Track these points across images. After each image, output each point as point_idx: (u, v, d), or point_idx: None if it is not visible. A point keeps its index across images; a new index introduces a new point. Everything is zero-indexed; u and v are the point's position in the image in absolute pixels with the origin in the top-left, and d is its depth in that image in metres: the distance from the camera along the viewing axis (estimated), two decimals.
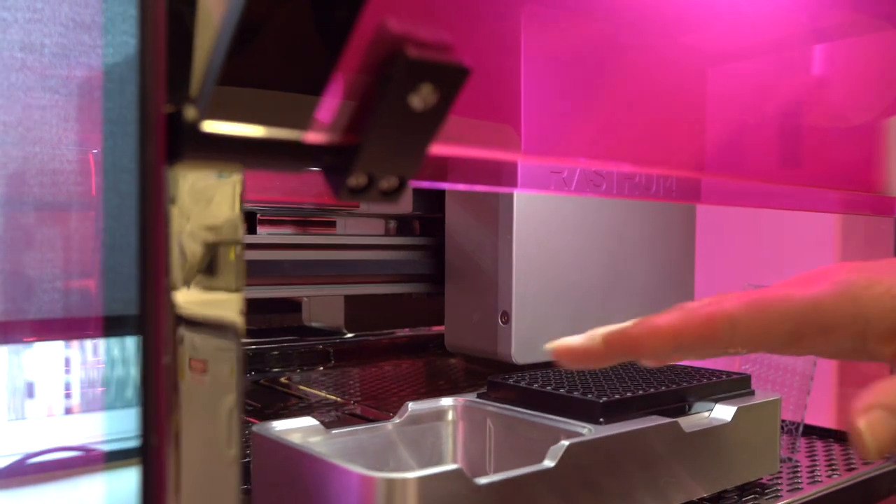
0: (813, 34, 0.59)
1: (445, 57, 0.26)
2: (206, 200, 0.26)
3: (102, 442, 0.66)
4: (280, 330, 0.89)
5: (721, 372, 0.59)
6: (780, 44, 0.58)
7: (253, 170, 0.27)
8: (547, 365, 0.65)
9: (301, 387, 0.85)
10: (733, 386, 0.57)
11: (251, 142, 0.25)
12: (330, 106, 0.26)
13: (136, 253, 0.26)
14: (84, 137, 0.56)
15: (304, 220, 0.79)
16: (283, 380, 0.86)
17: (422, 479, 0.38)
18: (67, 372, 0.68)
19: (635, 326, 0.33)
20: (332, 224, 0.81)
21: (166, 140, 0.24)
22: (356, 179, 0.27)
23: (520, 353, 0.67)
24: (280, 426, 0.48)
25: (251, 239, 0.69)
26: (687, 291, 0.82)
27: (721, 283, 0.98)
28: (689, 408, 0.54)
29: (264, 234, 0.73)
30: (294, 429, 0.48)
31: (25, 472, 0.62)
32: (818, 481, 0.58)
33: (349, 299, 0.87)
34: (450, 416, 0.56)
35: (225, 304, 0.27)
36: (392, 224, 0.84)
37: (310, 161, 0.27)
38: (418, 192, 0.81)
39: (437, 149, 0.29)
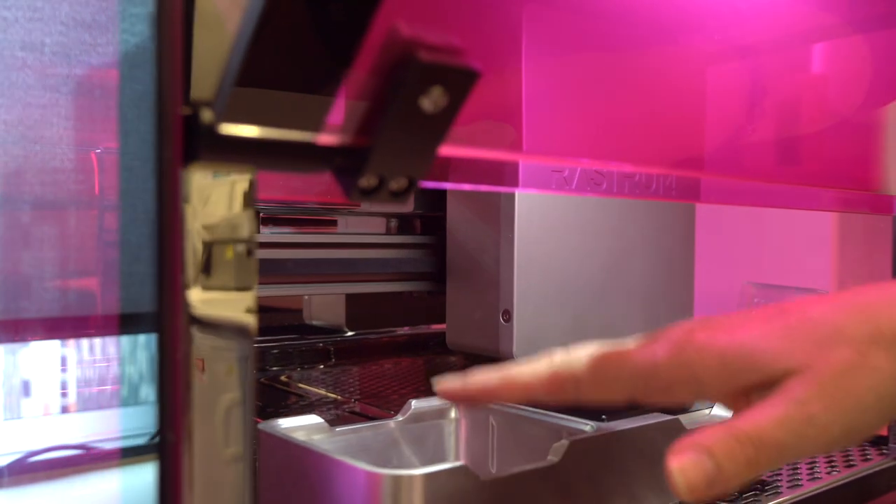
0: (811, 33, 0.60)
1: (455, 60, 0.26)
2: (219, 200, 0.26)
3: (103, 440, 0.66)
4: (281, 328, 0.89)
5: None
6: (778, 43, 0.58)
7: (266, 171, 0.27)
8: None
9: (301, 385, 0.85)
10: None
11: (265, 144, 0.26)
12: (342, 109, 0.27)
13: (153, 252, 0.26)
14: (85, 136, 0.56)
15: (305, 219, 0.79)
16: (283, 378, 0.87)
17: (428, 476, 0.39)
18: (64, 370, 0.68)
19: (497, 379, 0.37)
20: (334, 223, 0.81)
21: (183, 142, 0.25)
22: (367, 180, 0.28)
23: (521, 351, 0.67)
24: (286, 424, 0.48)
25: None
26: (687, 289, 0.83)
27: (720, 281, 0.99)
28: (690, 405, 0.55)
29: (266, 232, 0.74)
30: (299, 426, 0.49)
31: (28, 471, 0.62)
32: (817, 478, 0.58)
33: (350, 298, 0.88)
34: (452, 413, 0.56)
35: (238, 303, 0.27)
36: (393, 222, 0.84)
37: (322, 162, 0.27)
38: (420, 191, 0.82)
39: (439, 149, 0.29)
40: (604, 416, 0.49)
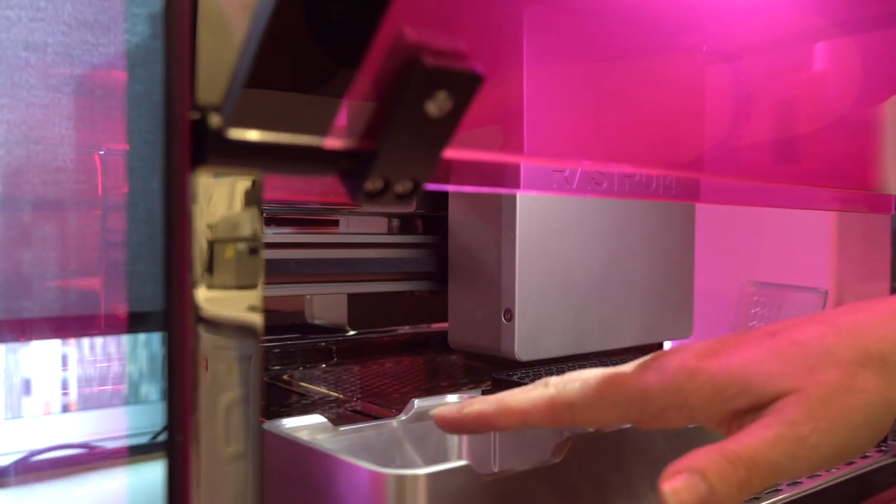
0: (808, 33, 0.60)
1: (460, 64, 0.27)
2: (226, 202, 0.27)
3: (106, 439, 0.66)
4: (283, 328, 0.89)
5: None
6: (775, 43, 0.59)
7: (273, 174, 0.27)
8: (549, 362, 0.66)
9: (303, 384, 0.85)
10: None
11: (272, 148, 0.26)
12: (348, 113, 0.27)
13: (153, 252, 0.26)
14: (88, 136, 0.57)
15: (307, 219, 0.79)
16: (285, 377, 0.87)
17: (431, 475, 0.39)
18: (65, 369, 0.69)
19: (493, 406, 0.38)
20: (335, 223, 0.82)
21: (191, 145, 0.25)
22: (372, 183, 0.28)
23: (523, 350, 0.68)
24: (289, 423, 0.48)
25: None
26: (686, 288, 0.83)
27: (719, 280, 0.99)
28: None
29: (269, 232, 0.74)
30: (302, 426, 0.49)
31: (31, 470, 0.63)
32: (817, 475, 0.59)
33: (352, 297, 0.88)
34: None
35: (245, 303, 0.28)
36: (395, 222, 0.84)
37: (328, 166, 0.27)
38: (421, 191, 0.82)
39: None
40: None
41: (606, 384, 0.35)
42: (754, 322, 0.87)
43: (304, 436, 0.48)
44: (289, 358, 0.90)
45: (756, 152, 0.58)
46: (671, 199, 0.75)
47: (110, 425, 0.69)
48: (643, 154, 0.53)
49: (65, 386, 0.69)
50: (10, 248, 0.53)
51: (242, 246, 0.27)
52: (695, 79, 0.56)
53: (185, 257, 0.26)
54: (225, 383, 0.27)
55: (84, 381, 0.69)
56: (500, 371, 0.58)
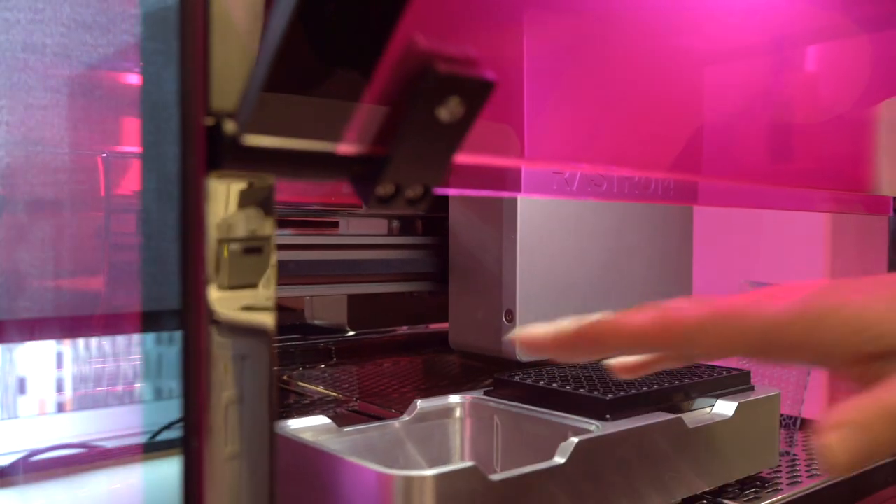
0: (805, 35, 0.60)
1: (472, 71, 0.27)
2: (240, 205, 0.27)
3: (103, 439, 0.67)
4: (283, 328, 0.89)
5: (722, 368, 0.60)
6: (772, 45, 0.59)
7: (286, 179, 0.28)
8: (549, 363, 0.67)
9: (302, 384, 0.86)
10: (734, 381, 0.58)
11: (286, 153, 0.26)
12: (360, 118, 0.27)
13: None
14: (87, 137, 0.57)
15: (307, 220, 0.80)
16: (284, 377, 0.87)
17: (439, 477, 0.39)
18: (60, 369, 0.69)
19: (606, 322, 0.33)
20: (336, 224, 0.82)
21: (206, 151, 0.25)
22: (384, 188, 0.28)
23: (524, 351, 0.68)
24: (294, 424, 0.49)
25: None
26: (685, 288, 0.83)
27: (717, 280, 1.00)
28: (692, 404, 0.55)
29: None
30: (307, 427, 0.49)
31: (30, 470, 0.63)
32: (817, 474, 0.59)
33: (352, 297, 0.88)
34: (457, 413, 0.57)
35: (257, 304, 0.28)
36: (395, 224, 0.85)
37: (341, 171, 0.28)
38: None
39: None
40: (608, 416, 0.50)
41: (737, 310, 0.31)
42: None
43: (308, 437, 0.48)
44: (288, 358, 0.90)
45: (753, 155, 0.59)
46: (670, 202, 0.75)
47: (106, 425, 0.69)
48: (642, 157, 0.53)
49: (60, 385, 0.69)
50: (8, 248, 0.53)
51: (255, 248, 0.28)
52: (693, 83, 0.56)
53: (199, 259, 0.26)
54: (238, 383, 0.28)
55: (79, 381, 0.69)
56: (503, 372, 0.58)
